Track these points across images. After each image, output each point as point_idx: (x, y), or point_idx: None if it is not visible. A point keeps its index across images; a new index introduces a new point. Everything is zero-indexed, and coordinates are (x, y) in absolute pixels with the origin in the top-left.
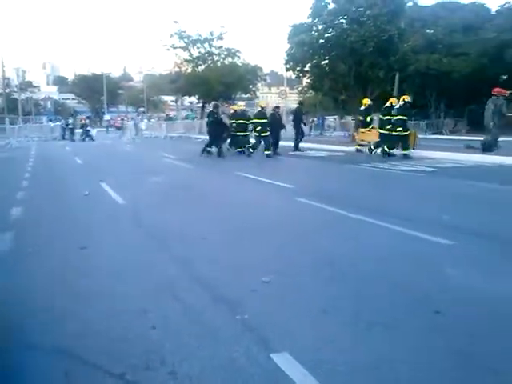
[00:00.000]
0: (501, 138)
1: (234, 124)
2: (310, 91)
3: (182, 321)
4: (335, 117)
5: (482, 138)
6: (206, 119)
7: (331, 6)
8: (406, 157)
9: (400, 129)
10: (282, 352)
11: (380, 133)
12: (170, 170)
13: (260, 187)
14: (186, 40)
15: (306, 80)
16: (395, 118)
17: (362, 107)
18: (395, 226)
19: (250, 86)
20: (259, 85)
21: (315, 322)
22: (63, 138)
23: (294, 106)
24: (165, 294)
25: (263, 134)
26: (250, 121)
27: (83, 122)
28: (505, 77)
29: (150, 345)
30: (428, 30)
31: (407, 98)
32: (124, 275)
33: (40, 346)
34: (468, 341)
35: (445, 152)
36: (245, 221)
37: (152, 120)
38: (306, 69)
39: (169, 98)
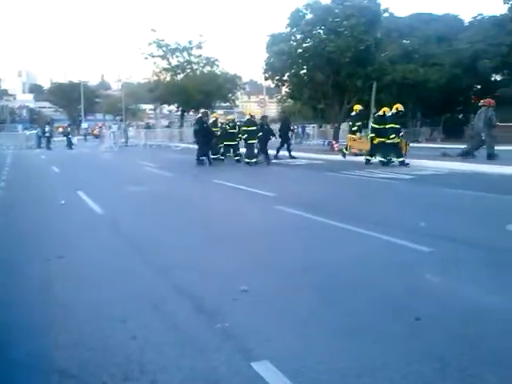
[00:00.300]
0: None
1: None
2: (289, 100)
3: (161, 330)
4: (313, 125)
5: (457, 146)
6: (194, 127)
7: (309, 16)
8: (402, 164)
9: (393, 136)
10: (263, 360)
11: (372, 141)
12: (149, 179)
13: (238, 195)
14: (164, 49)
15: (285, 89)
16: (388, 126)
17: (353, 113)
18: (374, 233)
19: (230, 95)
20: (238, 93)
21: (295, 330)
22: (39, 147)
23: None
24: (144, 303)
25: (250, 142)
26: (241, 129)
27: (64, 130)
28: (478, 86)
29: (129, 354)
30: (404, 41)
31: (400, 107)
32: (102, 284)
33: (15, 357)
34: (448, 346)
35: (422, 160)
36: (223, 229)
37: (130, 128)
38: (285, 78)
39: (147, 107)
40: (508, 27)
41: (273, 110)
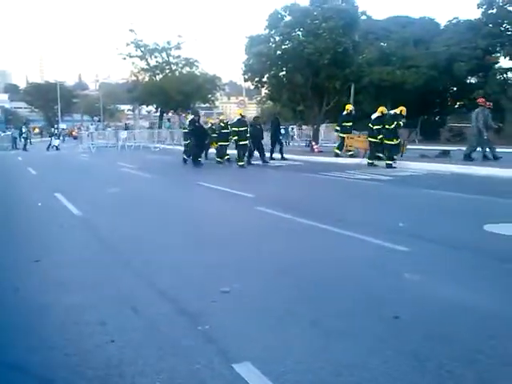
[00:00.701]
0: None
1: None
2: (269, 101)
3: (141, 333)
4: (293, 127)
5: (435, 148)
6: (186, 128)
7: (287, 18)
8: (390, 166)
9: (392, 137)
10: (244, 362)
11: (371, 142)
12: (128, 180)
13: (218, 196)
14: (142, 49)
15: (264, 90)
16: (387, 127)
17: (344, 112)
18: (352, 233)
19: (209, 96)
20: (218, 94)
21: (276, 330)
22: (14, 148)
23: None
24: (124, 306)
25: (241, 143)
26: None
27: (37, 130)
28: (454, 88)
29: (108, 358)
30: (382, 43)
31: (404, 111)
32: (80, 287)
33: None
34: (426, 344)
35: (400, 161)
36: (203, 230)
37: (108, 129)
38: (264, 79)
39: (126, 107)
40: (482, 31)
41: (253, 111)
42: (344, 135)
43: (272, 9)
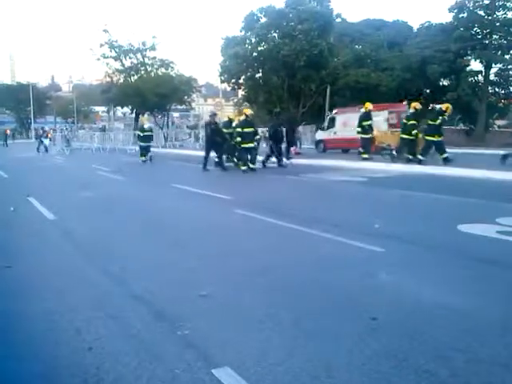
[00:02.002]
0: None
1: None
2: (246, 103)
3: (119, 340)
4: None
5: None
6: (143, 131)
7: (263, 19)
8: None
9: (415, 132)
10: (224, 366)
11: (402, 138)
12: (104, 183)
13: (195, 199)
14: (117, 50)
15: (241, 92)
16: (431, 122)
17: (363, 110)
18: (328, 235)
19: (186, 97)
20: (194, 96)
21: (255, 333)
22: None
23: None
24: (100, 313)
25: (246, 146)
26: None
27: (8, 133)
28: (428, 90)
29: (85, 366)
30: (356, 46)
31: (418, 106)
32: (54, 293)
33: None
34: (404, 344)
35: (375, 162)
36: (178, 234)
37: (82, 131)
38: (241, 81)
39: (100, 109)
40: (454, 35)
41: (229, 113)
42: (367, 136)
43: (248, 10)
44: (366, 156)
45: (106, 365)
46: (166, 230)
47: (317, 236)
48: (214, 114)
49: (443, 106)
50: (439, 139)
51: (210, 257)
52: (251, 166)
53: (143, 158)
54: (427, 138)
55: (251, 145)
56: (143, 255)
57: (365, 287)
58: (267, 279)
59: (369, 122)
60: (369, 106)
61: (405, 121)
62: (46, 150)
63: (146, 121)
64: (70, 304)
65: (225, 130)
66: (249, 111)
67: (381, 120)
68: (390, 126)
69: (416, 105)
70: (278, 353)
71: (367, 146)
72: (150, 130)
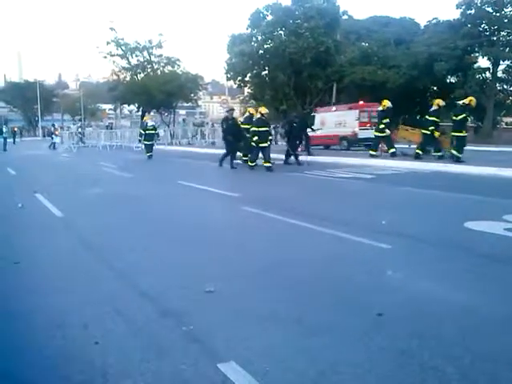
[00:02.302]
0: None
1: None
2: (252, 101)
3: (125, 335)
4: (273, 126)
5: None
6: (146, 129)
7: (269, 17)
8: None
9: (432, 128)
10: (229, 361)
11: (424, 134)
12: (111, 180)
13: (203, 196)
14: (123, 48)
15: (247, 90)
16: (454, 118)
17: (380, 108)
18: (335, 231)
19: (192, 95)
20: (201, 94)
21: (260, 329)
22: (4, 148)
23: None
24: (107, 308)
25: (262, 145)
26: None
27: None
28: (435, 88)
29: (91, 360)
30: (363, 43)
31: (442, 103)
32: (61, 290)
33: None
34: (410, 341)
35: (382, 159)
36: (184, 230)
37: (89, 129)
38: (247, 79)
39: (107, 107)
40: (461, 31)
41: (236, 110)
42: (383, 134)
43: (254, 8)
44: (374, 153)
45: (112, 359)
46: (172, 227)
47: (322, 233)
48: (231, 110)
49: (466, 100)
50: (463, 134)
51: (216, 253)
52: (266, 164)
53: (149, 154)
54: (454, 133)
55: (266, 144)
56: (150, 251)
57: (371, 284)
58: (273, 275)
59: (387, 120)
60: (387, 103)
61: (426, 117)
62: (54, 147)
63: (149, 120)
64: (77, 300)
65: (247, 126)
66: (264, 110)
67: (352, 118)
68: (361, 124)
69: (439, 101)
70: (284, 348)
71: (431, 143)
72: (154, 129)
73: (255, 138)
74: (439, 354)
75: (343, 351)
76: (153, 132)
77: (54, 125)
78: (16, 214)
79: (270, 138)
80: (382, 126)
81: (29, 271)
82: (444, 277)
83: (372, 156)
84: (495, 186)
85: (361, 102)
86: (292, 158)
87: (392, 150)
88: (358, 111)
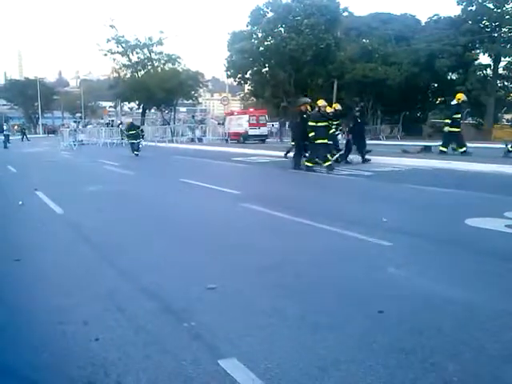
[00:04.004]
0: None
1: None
2: (252, 98)
3: (126, 331)
4: (273, 123)
5: (417, 143)
6: (129, 130)
7: (269, 14)
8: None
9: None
10: (231, 358)
11: (449, 131)
12: (111, 178)
13: (204, 193)
14: (123, 45)
15: (247, 87)
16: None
17: (454, 102)
18: (337, 229)
19: (192, 92)
20: (201, 91)
21: (262, 326)
22: (4, 146)
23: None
24: (108, 305)
25: (319, 142)
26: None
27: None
28: (435, 84)
29: (92, 357)
30: (364, 40)
31: (463, 97)
32: (62, 286)
33: None
34: (411, 338)
35: (382, 156)
36: (186, 228)
37: (89, 126)
38: (247, 76)
39: (107, 104)
40: (462, 28)
41: (236, 107)
42: (457, 130)
43: (254, 5)
44: (444, 149)
45: (113, 356)
46: (174, 224)
47: (325, 230)
48: (306, 103)
49: (456, 99)
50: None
51: (220, 251)
52: (308, 163)
53: (136, 153)
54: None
55: (324, 141)
56: (151, 249)
57: (372, 281)
58: (276, 273)
59: (459, 116)
60: (462, 96)
61: (449, 113)
62: (5, 147)
63: (131, 122)
64: (78, 296)
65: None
66: (322, 102)
67: (245, 120)
68: (250, 124)
69: (460, 96)
70: (286, 345)
71: (454, 140)
72: (136, 129)
73: (311, 134)
74: (440, 351)
75: (345, 348)
76: (135, 132)
77: (75, 121)
78: (17, 211)
79: (333, 131)
80: (452, 120)
81: (29, 268)
82: (445, 274)
83: (442, 152)
84: (496, 182)
85: (251, 110)
86: (350, 156)
87: (463, 149)
88: (248, 116)
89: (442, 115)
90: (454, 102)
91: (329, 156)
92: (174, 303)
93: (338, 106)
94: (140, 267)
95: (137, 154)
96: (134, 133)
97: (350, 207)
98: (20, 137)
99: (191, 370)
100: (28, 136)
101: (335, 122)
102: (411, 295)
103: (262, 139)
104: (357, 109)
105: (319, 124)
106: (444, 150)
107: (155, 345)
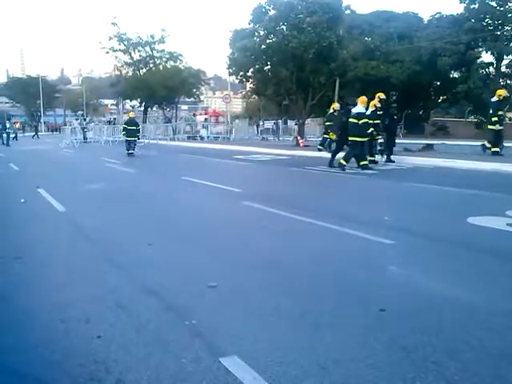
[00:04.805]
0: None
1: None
2: (254, 96)
3: (127, 329)
4: (274, 121)
5: (419, 141)
6: (126, 125)
7: (271, 12)
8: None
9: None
10: (231, 356)
11: (490, 130)
12: (113, 176)
13: (202, 190)
14: (125, 43)
15: (249, 85)
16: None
17: (495, 98)
18: (338, 227)
19: (194, 90)
20: (203, 89)
21: (263, 324)
22: (7, 144)
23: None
24: (109, 303)
25: (357, 140)
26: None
27: (17, 125)
28: (438, 83)
29: (94, 354)
30: (366, 38)
31: (504, 93)
32: (64, 284)
33: None
34: (412, 336)
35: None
36: (189, 225)
37: (91, 124)
38: (249, 74)
39: (109, 102)
40: (465, 26)
41: (238, 105)
42: (498, 127)
43: (256, 2)
44: (496, 150)
45: (115, 353)
46: (175, 223)
47: (326, 228)
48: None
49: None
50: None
51: (220, 249)
52: (363, 163)
53: (130, 152)
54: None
55: (361, 139)
56: (152, 246)
57: (373, 279)
58: (277, 271)
59: (500, 113)
60: (503, 92)
61: (491, 111)
62: (8, 144)
63: (133, 117)
64: (79, 294)
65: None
66: (382, 95)
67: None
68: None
69: (502, 92)
70: (286, 343)
71: (498, 139)
72: (136, 126)
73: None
74: (442, 350)
75: (346, 346)
76: (134, 128)
77: (84, 119)
78: (19, 209)
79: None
80: (494, 118)
81: (31, 266)
82: (446, 272)
83: (495, 154)
84: (497, 181)
85: (210, 111)
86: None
87: (495, 149)
88: (208, 116)
89: (444, 113)
90: (494, 99)
91: (367, 156)
92: (176, 301)
93: (337, 106)
94: (141, 265)
95: (131, 154)
96: (132, 129)
97: (352, 206)
98: (33, 134)
99: (192, 367)
100: (28, 134)
101: (376, 121)
102: (413, 294)
103: (216, 137)
104: (393, 105)
105: (376, 121)
106: (496, 150)
107: (156, 342)
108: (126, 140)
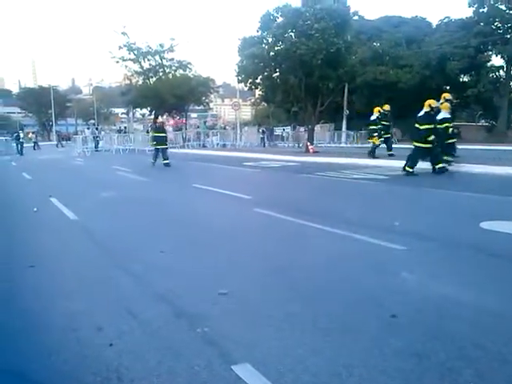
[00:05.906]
0: None
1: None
2: (263, 103)
3: (140, 336)
4: (283, 128)
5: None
6: (156, 132)
7: (279, 19)
8: None
9: None
10: (244, 363)
11: None
12: (125, 184)
13: (214, 199)
14: (135, 52)
15: (258, 92)
16: None
17: None
18: (349, 233)
19: (203, 98)
20: (212, 96)
21: (275, 331)
22: (20, 153)
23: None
24: (121, 311)
25: (419, 145)
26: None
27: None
28: (447, 87)
29: (106, 363)
30: (374, 43)
31: None
32: (76, 292)
33: None
34: (424, 342)
35: (395, 160)
36: (200, 233)
37: (102, 133)
38: (258, 81)
39: (120, 110)
40: (474, 30)
41: (247, 113)
42: None
43: (264, 10)
44: None
45: (127, 361)
46: (186, 230)
47: (337, 234)
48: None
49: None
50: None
51: (232, 256)
52: (439, 165)
53: (165, 161)
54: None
55: (424, 145)
56: (164, 254)
57: (385, 285)
58: (289, 278)
59: None
60: None
61: None
62: (21, 153)
63: (162, 122)
64: (92, 302)
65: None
66: (442, 100)
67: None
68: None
69: None
70: (298, 350)
71: None
72: (165, 132)
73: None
74: (457, 356)
75: (358, 353)
76: (164, 135)
77: (97, 128)
78: (31, 217)
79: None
80: None
81: (44, 274)
82: (458, 278)
83: None
84: (509, 185)
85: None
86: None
87: None
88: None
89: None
90: None
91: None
92: (187, 308)
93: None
94: (153, 272)
95: (167, 164)
96: (162, 136)
97: (364, 211)
98: (56, 142)
99: (204, 375)
100: (40, 144)
101: (443, 125)
102: (425, 299)
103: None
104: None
105: (422, 127)
106: None
107: (168, 350)
108: (156, 149)
